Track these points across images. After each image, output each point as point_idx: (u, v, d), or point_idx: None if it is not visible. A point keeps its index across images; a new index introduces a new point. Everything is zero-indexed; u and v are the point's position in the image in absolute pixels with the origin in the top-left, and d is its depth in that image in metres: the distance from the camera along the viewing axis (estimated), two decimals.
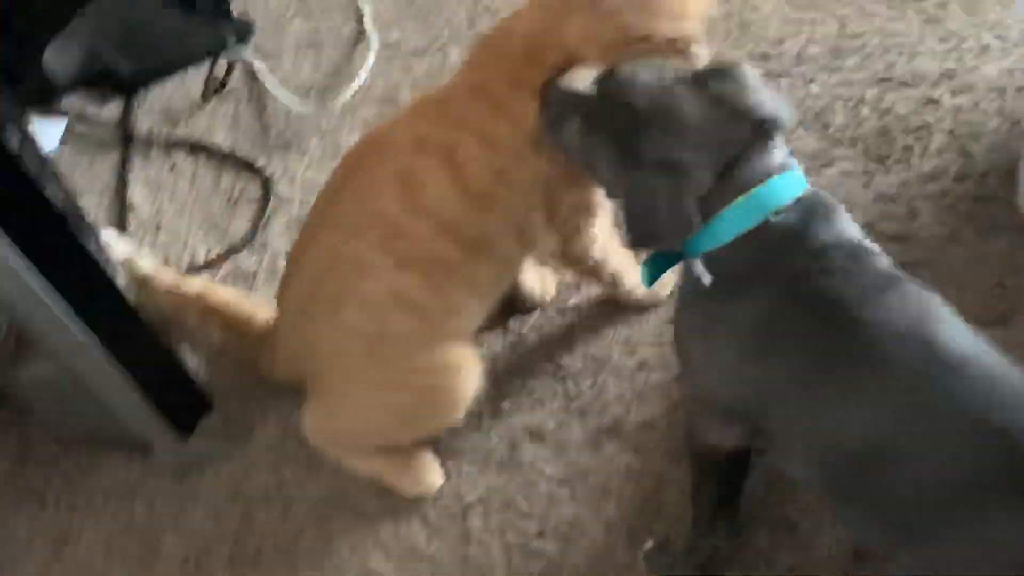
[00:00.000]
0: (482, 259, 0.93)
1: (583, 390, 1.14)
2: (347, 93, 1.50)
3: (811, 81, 1.44)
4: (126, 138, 1.48)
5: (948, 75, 1.43)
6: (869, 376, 0.74)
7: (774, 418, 0.80)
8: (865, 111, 1.39)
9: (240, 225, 1.35)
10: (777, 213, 0.76)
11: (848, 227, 0.80)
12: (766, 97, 0.79)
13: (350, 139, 1.46)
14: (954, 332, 0.74)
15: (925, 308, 0.76)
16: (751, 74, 0.80)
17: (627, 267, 1.07)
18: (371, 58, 1.57)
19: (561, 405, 1.13)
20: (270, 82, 1.54)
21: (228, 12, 1.54)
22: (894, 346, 0.73)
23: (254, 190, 1.40)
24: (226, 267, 1.30)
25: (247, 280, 1.28)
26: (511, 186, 0.90)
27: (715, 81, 0.79)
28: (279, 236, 1.33)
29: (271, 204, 1.36)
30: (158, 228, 1.36)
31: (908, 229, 1.23)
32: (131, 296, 1.06)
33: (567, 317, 1.20)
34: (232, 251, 1.31)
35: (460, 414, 1.00)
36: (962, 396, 0.71)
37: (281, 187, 1.40)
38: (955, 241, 1.21)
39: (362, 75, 1.54)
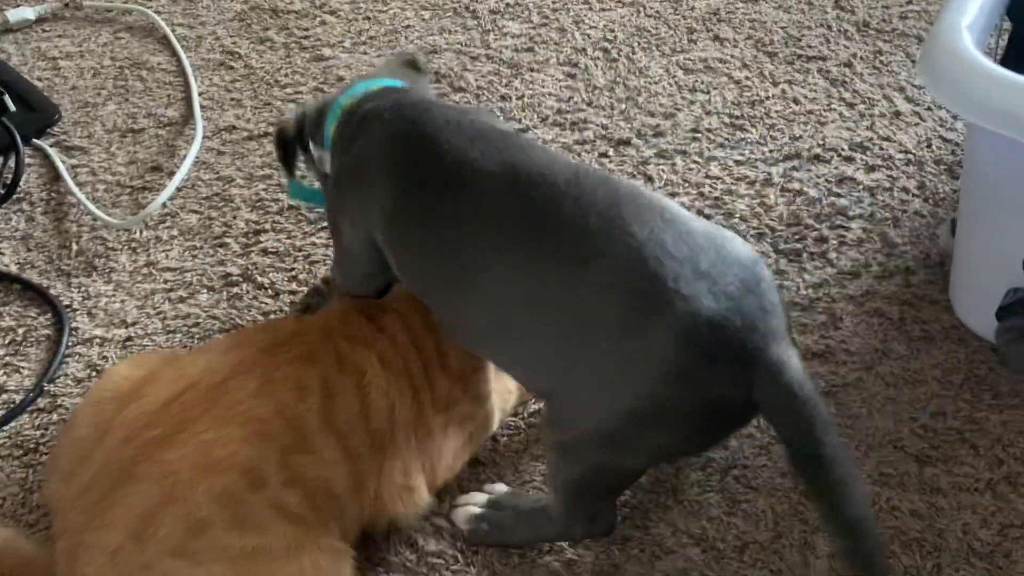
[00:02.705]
0: (359, 499, 0.86)
1: None
2: (166, 194, 1.25)
3: (711, 160, 1.26)
4: None
5: (861, 147, 1.27)
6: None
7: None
8: (772, 195, 1.21)
9: (24, 377, 1.08)
10: (364, 103, 0.90)
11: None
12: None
13: (168, 257, 1.20)
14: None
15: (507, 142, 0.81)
16: None
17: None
18: (195, 147, 1.32)
19: None
20: (72, 184, 1.27)
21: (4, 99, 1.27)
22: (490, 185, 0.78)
23: (45, 326, 1.13)
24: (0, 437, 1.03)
25: (27, 454, 1.01)
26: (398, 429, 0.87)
27: None
28: (72, 391, 1.06)
29: (64, 345, 1.10)
30: None
31: (830, 344, 1.05)
32: None
33: None
34: (10, 415, 1.04)
35: None
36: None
37: (80, 321, 1.13)
38: (885, 356, 1.03)
39: (184, 169, 1.29)
